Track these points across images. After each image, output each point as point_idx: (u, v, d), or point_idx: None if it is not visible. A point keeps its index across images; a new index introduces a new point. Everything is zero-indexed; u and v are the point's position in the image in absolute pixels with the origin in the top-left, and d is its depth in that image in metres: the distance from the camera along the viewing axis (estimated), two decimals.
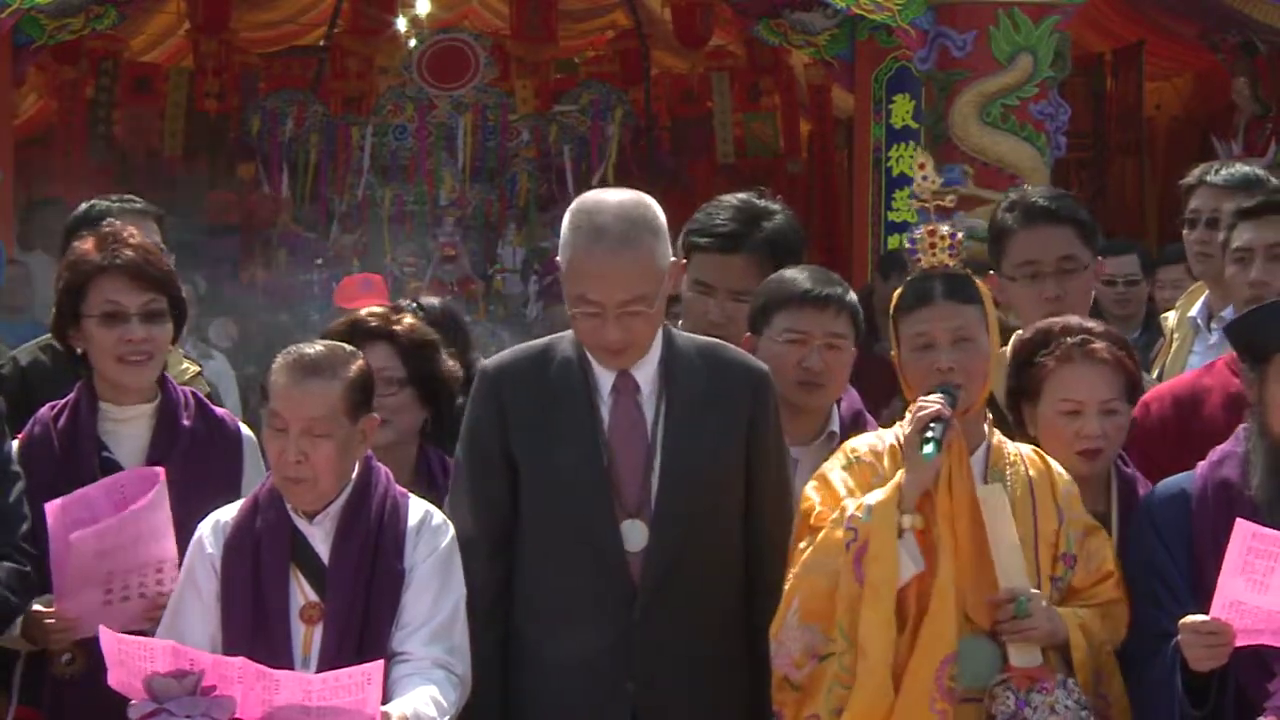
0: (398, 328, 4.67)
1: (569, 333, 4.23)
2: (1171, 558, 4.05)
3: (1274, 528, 3.89)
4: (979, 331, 4.09)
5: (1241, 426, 4.11)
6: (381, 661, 3.78)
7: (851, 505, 3.99)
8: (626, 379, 4.17)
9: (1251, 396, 4.07)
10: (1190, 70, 15.08)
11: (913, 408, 4.00)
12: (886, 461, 4.09)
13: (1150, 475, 4.39)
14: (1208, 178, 5.43)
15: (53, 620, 4.16)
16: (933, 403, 3.96)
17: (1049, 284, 4.85)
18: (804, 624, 3.99)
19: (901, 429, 4.08)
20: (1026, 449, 4.18)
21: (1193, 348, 5.39)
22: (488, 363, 4.29)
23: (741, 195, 5.09)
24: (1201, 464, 4.13)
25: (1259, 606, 3.76)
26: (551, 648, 4.13)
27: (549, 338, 4.30)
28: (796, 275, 4.65)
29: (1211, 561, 3.91)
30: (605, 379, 4.17)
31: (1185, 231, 5.48)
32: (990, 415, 4.19)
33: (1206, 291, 5.42)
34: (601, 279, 4.05)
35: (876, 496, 3.97)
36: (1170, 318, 5.70)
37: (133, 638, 3.82)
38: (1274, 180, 5.44)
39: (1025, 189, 5.34)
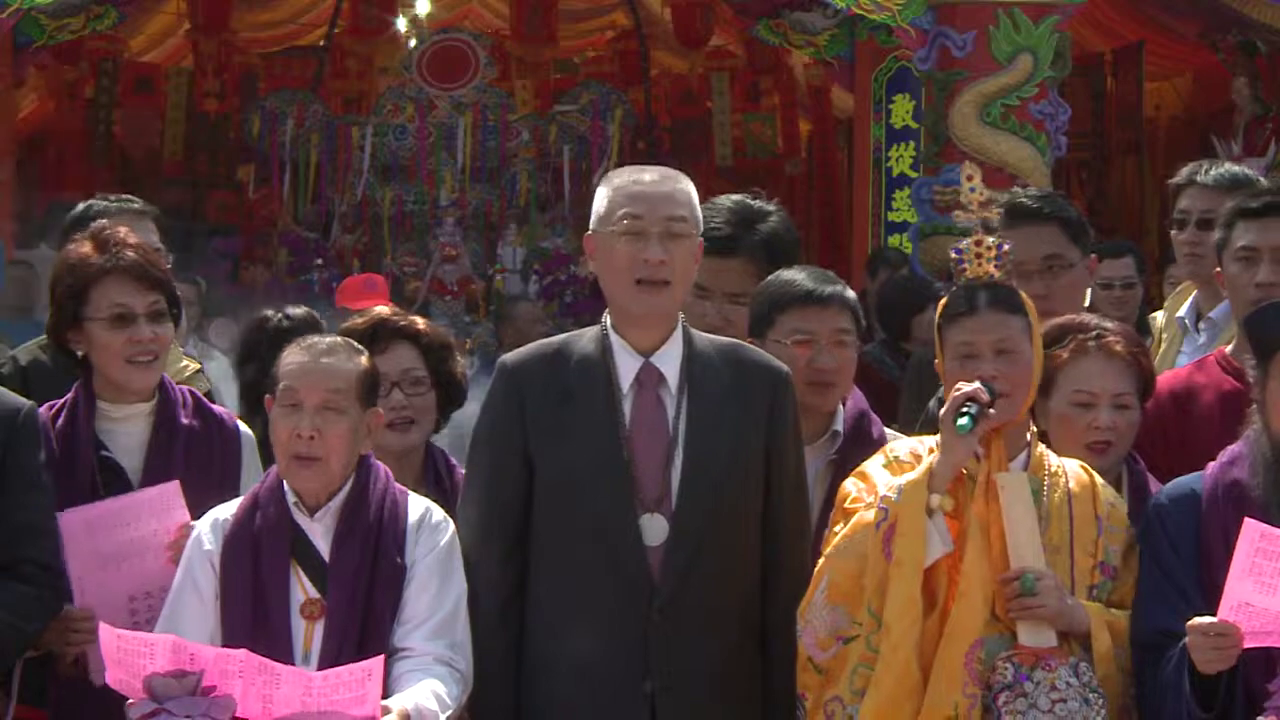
0: (420, 327, 4.69)
1: (590, 328, 4.25)
2: (1180, 558, 4.03)
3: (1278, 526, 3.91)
4: (1022, 342, 4.07)
5: (1252, 428, 4.10)
6: (381, 658, 3.78)
7: (884, 489, 4.00)
8: (650, 371, 4.16)
9: (1255, 394, 4.07)
10: (1190, 70, 15.11)
11: (951, 392, 4.01)
12: (927, 454, 4.08)
13: (1150, 473, 4.39)
14: (1197, 177, 5.43)
15: (75, 621, 4.17)
16: (972, 388, 3.96)
17: (1035, 283, 4.85)
18: (831, 604, 3.99)
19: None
20: (1072, 463, 4.16)
21: (1181, 348, 5.38)
22: (506, 359, 4.27)
23: (735, 197, 5.10)
24: (1212, 465, 4.10)
25: (1267, 608, 3.75)
26: (568, 647, 4.11)
27: (567, 334, 4.30)
28: (795, 276, 4.64)
29: (1221, 562, 3.89)
30: (627, 371, 4.16)
31: (1174, 232, 5.47)
32: (1034, 428, 4.19)
33: (1195, 291, 5.42)
34: (649, 197, 4.13)
35: (908, 476, 3.99)
36: (1158, 317, 5.70)
37: (133, 633, 3.81)
38: (1262, 180, 5.44)
39: (1016, 190, 5.34)
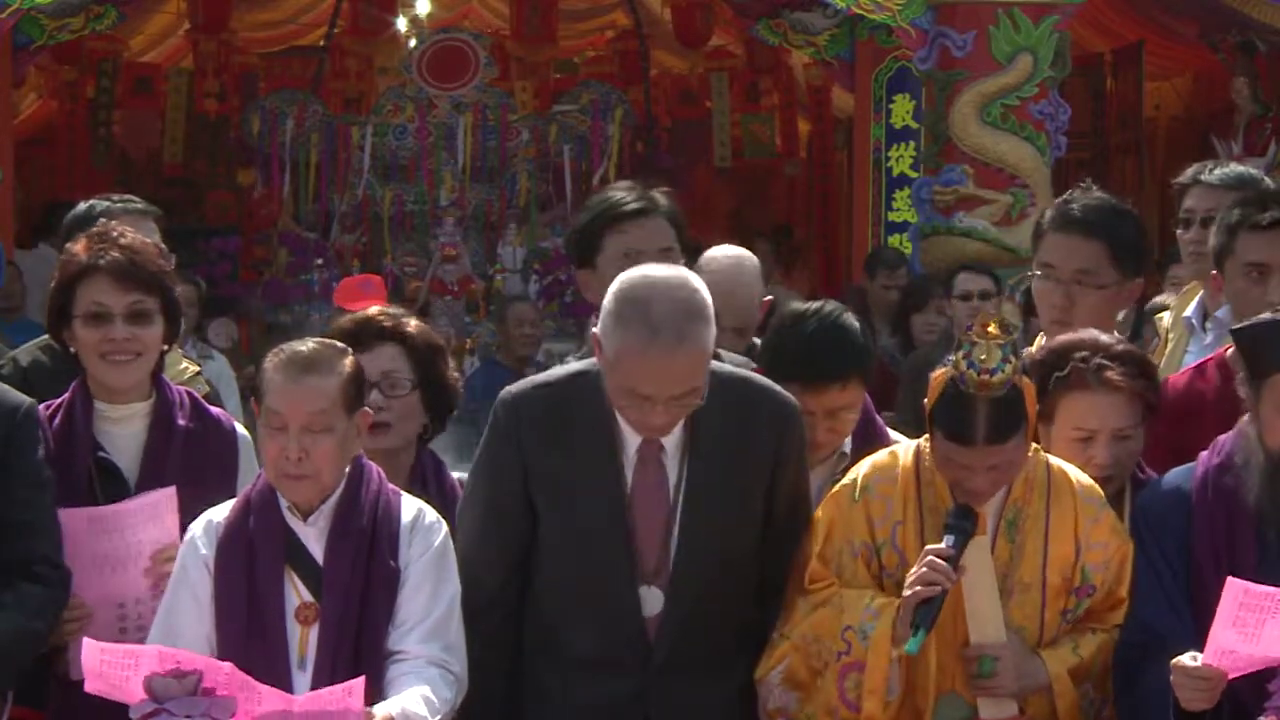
0: (408, 329, 4.62)
1: (593, 372, 4.11)
2: (1167, 560, 4.02)
3: (1272, 535, 3.91)
4: (1017, 455, 3.97)
5: (1242, 420, 4.06)
6: (363, 679, 3.76)
7: (852, 604, 3.98)
8: (652, 441, 4.09)
9: (1248, 405, 4.04)
10: (1190, 70, 15.11)
11: (909, 581, 3.91)
12: (897, 491, 4.07)
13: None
14: (1202, 177, 5.40)
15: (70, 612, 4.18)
16: (937, 575, 3.86)
17: (1058, 293, 4.78)
18: (784, 687, 4.02)
19: (923, 452, 4.06)
20: (1058, 470, 4.09)
21: (1187, 348, 5.34)
22: (506, 395, 4.17)
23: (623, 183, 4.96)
24: (1201, 459, 4.08)
25: (1251, 654, 3.76)
26: (568, 697, 4.11)
27: (571, 371, 4.22)
28: (808, 337, 4.38)
29: (1209, 563, 3.91)
30: (632, 439, 4.08)
31: (1179, 231, 5.45)
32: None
33: (1201, 291, 5.40)
34: (657, 377, 3.91)
35: (872, 625, 3.93)
36: (1165, 318, 5.68)
37: (117, 646, 3.80)
38: (1267, 181, 5.42)
39: (1075, 194, 5.20)
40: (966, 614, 3.96)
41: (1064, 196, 5.03)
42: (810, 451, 4.37)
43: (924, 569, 3.87)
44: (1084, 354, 4.27)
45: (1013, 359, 3.90)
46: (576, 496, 4.08)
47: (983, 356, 3.89)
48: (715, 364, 4.12)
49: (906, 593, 3.89)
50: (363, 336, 4.51)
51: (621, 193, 4.66)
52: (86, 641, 3.77)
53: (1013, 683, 3.92)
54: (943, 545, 3.90)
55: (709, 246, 5.76)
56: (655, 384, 3.91)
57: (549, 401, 4.13)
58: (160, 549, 4.26)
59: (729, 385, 4.12)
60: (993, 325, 3.91)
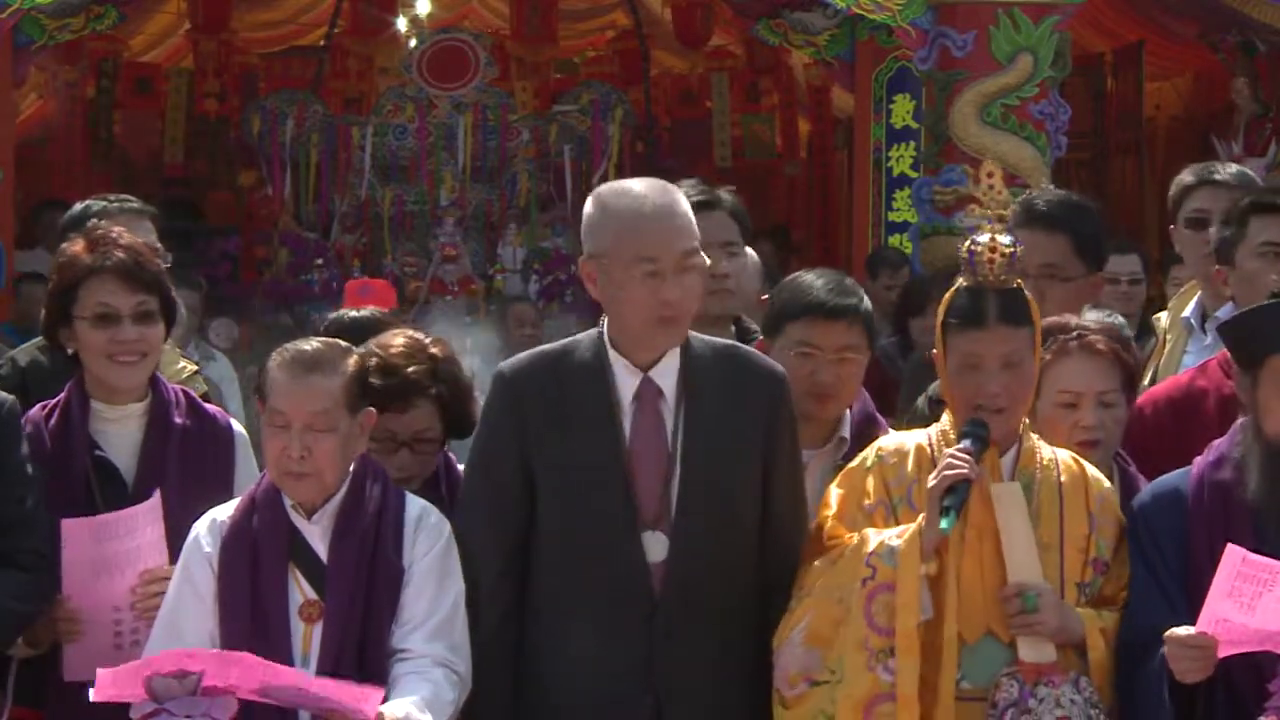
0: (443, 385, 4.49)
1: (587, 336, 4.20)
2: (1164, 560, 4.03)
3: (1271, 529, 3.90)
4: (1028, 354, 4.06)
5: (1239, 422, 4.08)
6: (381, 690, 3.79)
7: (873, 537, 4.00)
8: (649, 385, 4.13)
9: (1244, 399, 4.06)
10: (1190, 70, 15.10)
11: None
12: (911, 462, 4.10)
13: (1149, 479, 4.37)
14: (1215, 176, 5.41)
15: (60, 614, 4.19)
16: (960, 462, 3.93)
17: (1027, 286, 4.83)
18: (807, 646, 4.01)
19: (933, 436, 4.10)
20: (1064, 454, 4.15)
21: (1186, 348, 5.35)
22: (504, 368, 4.21)
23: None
24: (1196, 462, 4.10)
25: (1245, 624, 3.77)
26: (570, 661, 4.10)
27: (566, 341, 4.25)
28: (813, 283, 4.61)
29: (1207, 563, 3.90)
30: (627, 386, 4.13)
31: (1188, 231, 5.45)
32: (1026, 419, 4.16)
33: (1200, 291, 5.40)
34: (661, 233, 4.04)
35: (897, 541, 3.96)
36: (1163, 318, 5.68)
37: (126, 667, 3.81)
38: (1260, 182, 5.43)
39: (1044, 189, 5.27)
40: (1004, 553, 3.98)
41: (1026, 194, 5.10)
42: (818, 404, 4.49)
43: (947, 459, 3.96)
44: (1065, 326, 4.38)
45: (1013, 245, 4.06)
46: (577, 449, 4.10)
47: (988, 229, 4.05)
48: (705, 336, 4.25)
49: (931, 483, 3.95)
50: (404, 393, 4.42)
51: (685, 187, 4.73)
52: (100, 672, 3.78)
53: (1055, 619, 3.95)
54: (962, 445, 3.99)
55: None
56: (659, 241, 4.03)
57: (545, 367, 4.18)
58: (148, 570, 4.25)
59: (720, 350, 4.23)
60: (996, 172, 4.11)
